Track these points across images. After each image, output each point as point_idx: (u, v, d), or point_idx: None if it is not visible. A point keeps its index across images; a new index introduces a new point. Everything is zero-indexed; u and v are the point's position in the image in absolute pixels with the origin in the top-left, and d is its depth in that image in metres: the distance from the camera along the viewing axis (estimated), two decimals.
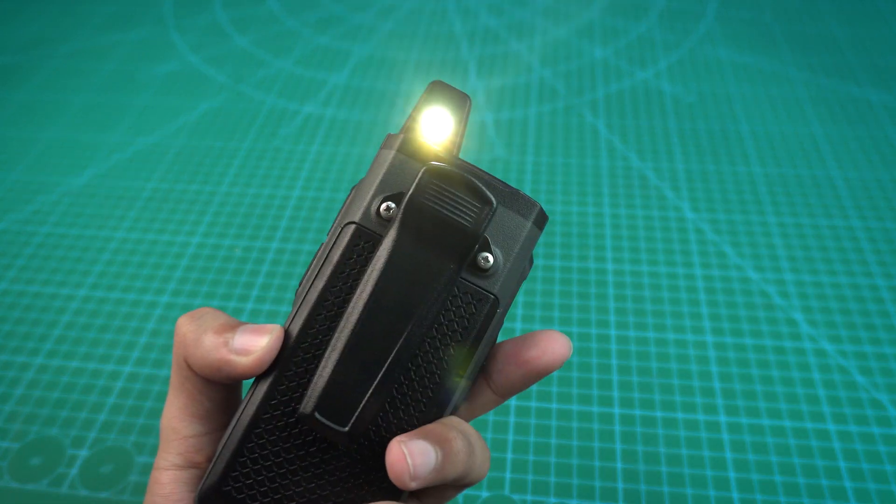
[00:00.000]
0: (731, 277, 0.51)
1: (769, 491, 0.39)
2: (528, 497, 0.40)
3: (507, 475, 0.41)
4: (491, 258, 0.21)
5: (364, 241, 0.21)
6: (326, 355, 0.20)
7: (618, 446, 0.42)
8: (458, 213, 0.21)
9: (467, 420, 0.24)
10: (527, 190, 0.59)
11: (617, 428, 0.43)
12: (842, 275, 0.51)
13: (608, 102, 0.68)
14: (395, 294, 0.20)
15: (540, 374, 0.22)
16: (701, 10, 0.80)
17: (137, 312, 0.51)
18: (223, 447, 0.21)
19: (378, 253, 0.21)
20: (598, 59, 0.74)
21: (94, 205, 0.60)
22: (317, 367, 0.21)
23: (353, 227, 0.21)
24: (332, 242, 0.21)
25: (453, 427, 0.21)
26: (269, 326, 0.21)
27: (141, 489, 0.41)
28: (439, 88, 0.23)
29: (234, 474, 0.20)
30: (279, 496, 0.21)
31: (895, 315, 0.48)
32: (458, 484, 0.21)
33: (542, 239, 0.55)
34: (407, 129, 0.23)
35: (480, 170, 0.22)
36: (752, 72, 0.71)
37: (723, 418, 0.43)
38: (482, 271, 0.21)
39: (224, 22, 0.83)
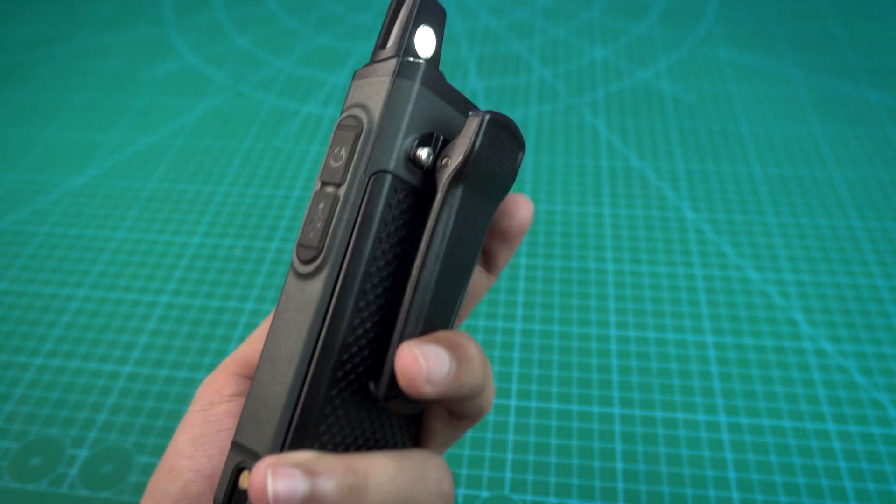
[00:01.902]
0: (731, 277, 0.51)
1: (769, 491, 0.39)
2: (528, 497, 0.40)
3: (507, 475, 0.41)
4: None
5: (402, 193, 0.19)
6: (402, 318, 0.19)
7: (618, 446, 0.42)
8: (506, 161, 0.20)
9: (469, 309, 0.24)
10: (527, 190, 0.59)
11: (617, 428, 0.43)
12: (842, 275, 0.51)
13: (608, 102, 0.68)
14: (459, 247, 0.20)
15: (520, 237, 0.23)
16: (701, 10, 0.80)
17: (137, 312, 0.51)
18: (292, 425, 0.19)
19: (441, 210, 0.19)
20: (598, 59, 0.74)
21: (94, 205, 0.60)
22: (377, 334, 0.19)
23: (388, 177, 0.19)
24: (362, 195, 0.19)
25: (464, 334, 0.20)
26: None
27: (140, 489, 0.41)
28: (425, 2, 0.21)
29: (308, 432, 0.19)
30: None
31: (895, 315, 0.48)
32: (472, 401, 0.20)
33: (542, 239, 0.55)
34: (399, 49, 0.20)
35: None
36: (752, 72, 0.70)
37: (723, 418, 0.43)
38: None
39: (224, 22, 0.83)
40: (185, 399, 0.45)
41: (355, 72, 0.21)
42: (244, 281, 0.52)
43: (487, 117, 0.19)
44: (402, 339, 0.19)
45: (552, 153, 0.62)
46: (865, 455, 0.41)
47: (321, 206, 0.19)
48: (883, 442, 0.41)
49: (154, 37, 0.81)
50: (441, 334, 0.19)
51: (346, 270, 0.19)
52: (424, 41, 0.21)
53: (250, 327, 0.49)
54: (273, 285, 0.52)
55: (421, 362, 0.18)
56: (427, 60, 0.21)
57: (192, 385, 0.46)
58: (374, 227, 0.19)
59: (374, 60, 0.20)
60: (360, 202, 0.19)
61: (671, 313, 0.49)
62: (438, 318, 0.19)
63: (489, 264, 0.24)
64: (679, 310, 0.49)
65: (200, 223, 0.57)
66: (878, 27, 0.76)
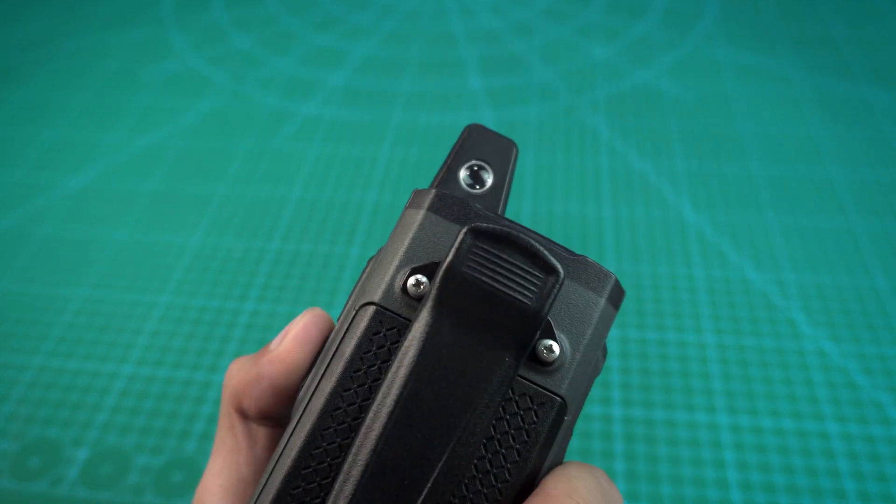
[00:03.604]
0: (731, 277, 0.51)
1: (769, 491, 0.39)
2: None
3: None
4: (556, 347, 0.16)
5: (387, 327, 0.16)
6: (338, 487, 0.15)
7: (618, 447, 0.42)
8: (513, 286, 0.16)
9: None
10: (527, 190, 0.59)
11: (617, 429, 0.43)
12: (842, 275, 0.51)
13: (608, 103, 0.68)
14: (431, 398, 0.15)
15: None
16: (701, 11, 0.80)
17: (137, 312, 0.51)
18: None
19: (406, 342, 0.16)
20: (598, 59, 0.74)
21: (94, 205, 0.60)
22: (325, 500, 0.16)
23: (371, 308, 0.17)
24: (343, 330, 0.17)
25: None
26: (303, 314, 0.19)
27: (140, 489, 0.41)
28: (477, 135, 0.20)
29: None
30: None
31: (895, 315, 0.48)
32: None
33: None
34: (439, 183, 0.19)
35: (532, 231, 0.18)
36: (752, 72, 0.70)
37: (723, 419, 0.43)
38: (544, 365, 0.17)
39: (224, 22, 0.83)
40: (184, 399, 0.45)
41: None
42: (244, 281, 0.52)
43: (466, 228, 0.16)
44: None
45: (552, 153, 0.62)
46: (866, 456, 0.41)
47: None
48: (883, 443, 0.41)
49: (154, 37, 0.81)
50: None
51: (309, 404, 0.16)
52: (474, 176, 0.20)
53: (250, 327, 0.49)
54: (272, 286, 0.52)
55: None
56: (442, 190, 0.19)
57: (191, 385, 0.46)
58: (346, 360, 0.16)
59: None
60: (340, 335, 0.17)
61: (671, 313, 0.49)
62: (398, 491, 0.15)
63: None
64: (679, 310, 0.49)
65: (200, 223, 0.57)
66: (878, 27, 0.76)
